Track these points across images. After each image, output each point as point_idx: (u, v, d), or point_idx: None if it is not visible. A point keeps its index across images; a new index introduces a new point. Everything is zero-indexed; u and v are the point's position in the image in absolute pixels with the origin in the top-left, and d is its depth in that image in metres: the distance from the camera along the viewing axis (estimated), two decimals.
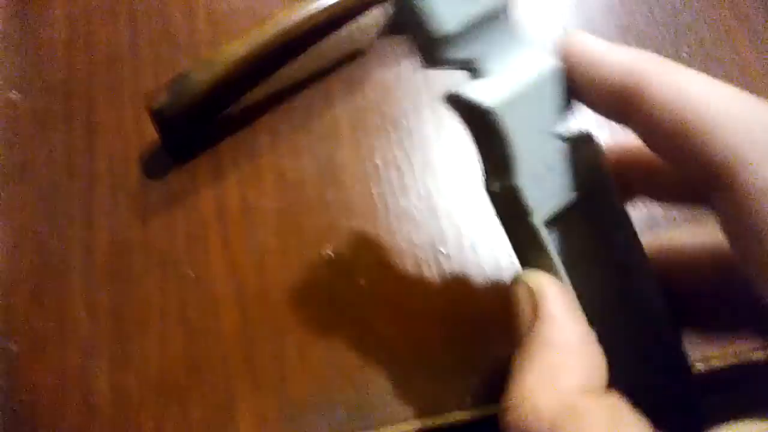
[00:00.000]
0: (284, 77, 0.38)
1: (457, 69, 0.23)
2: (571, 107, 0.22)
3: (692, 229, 0.25)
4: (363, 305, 0.35)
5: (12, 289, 0.33)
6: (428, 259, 0.36)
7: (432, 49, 0.21)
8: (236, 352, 0.33)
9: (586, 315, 0.21)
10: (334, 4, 0.36)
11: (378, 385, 0.33)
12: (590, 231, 0.23)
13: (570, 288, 0.22)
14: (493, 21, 0.22)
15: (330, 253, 0.36)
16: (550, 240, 0.22)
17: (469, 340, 0.34)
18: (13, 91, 0.37)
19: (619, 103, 0.20)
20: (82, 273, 0.34)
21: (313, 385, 0.33)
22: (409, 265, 0.36)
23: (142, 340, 0.33)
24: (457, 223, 0.36)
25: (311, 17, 0.36)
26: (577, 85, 0.21)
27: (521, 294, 0.22)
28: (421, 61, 0.22)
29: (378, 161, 0.38)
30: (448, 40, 0.21)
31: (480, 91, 0.21)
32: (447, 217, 0.37)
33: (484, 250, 0.36)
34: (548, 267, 0.22)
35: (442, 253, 0.36)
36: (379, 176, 0.37)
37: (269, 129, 0.38)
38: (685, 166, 0.19)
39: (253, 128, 0.38)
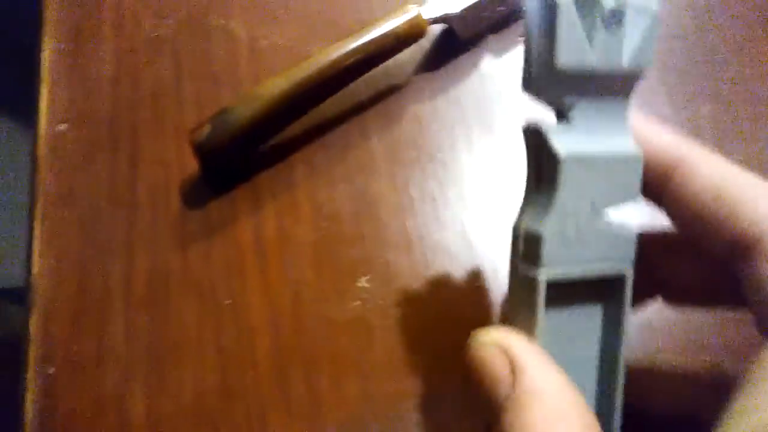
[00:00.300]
0: (322, 111, 0.39)
1: (549, 106, 0.23)
2: (636, 197, 0.23)
3: None
4: (398, 337, 0.35)
5: (52, 314, 0.34)
6: (463, 293, 0.35)
7: (542, 76, 0.22)
8: (270, 380, 0.33)
9: None
10: (371, 43, 0.37)
11: (412, 419, 0.33)
12: (586, 316, 0.23)
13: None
14: (608, 83, 0.22)
15: (365, 284, 0.36)
16: (543, 301, 0.22)
17: None
18: (62, 124, 0.39)
19: (659, 178, 0.22)
20: (122, 299, 0.35)
21: (346, 416, 0.33)
22: (443, 298, 0.36)
23: (178, 367, 0.33)
24: (493, 256, 0.36)
25: (349, 56, 0.37)
26: None
27: (491, 355, 0.21)
28: (524, 84, 0.23)
29: (413, 193, 0.38)
30: (561, 74, 0.21)
31: (560, 137, 0.22)
32: (482, 250, 0.37)
33: None
34: (528, 327, 0.22)
35: (477, 286, 0.36)
36: (414, 208, 0.38)
37: (306, 161, 0.39)
38: (713, 237, 0.21)
39: (290, 161, 0.39)
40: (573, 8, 0.20)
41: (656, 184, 0.22)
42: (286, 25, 0.43)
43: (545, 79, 0.22)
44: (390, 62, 0.39)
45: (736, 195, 0.20)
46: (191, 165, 0.37)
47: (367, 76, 0.39)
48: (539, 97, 0.22)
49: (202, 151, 0.35)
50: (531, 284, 0.22)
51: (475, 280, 0.36)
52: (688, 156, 0.21)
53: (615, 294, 0.23)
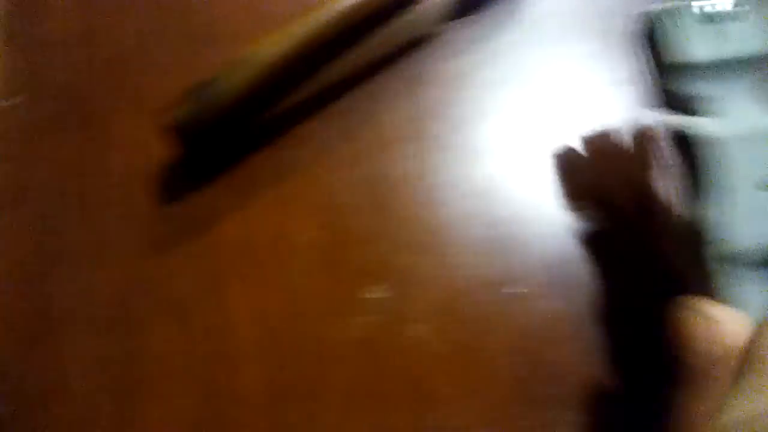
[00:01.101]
0: (328, 74, 0.31)
1: (683, 104, 0.24)
2: None
3: None
4: (416, 360, 0.28)
5: (1, 342, 0.29)
6: (497, 302, 0.29)
7: (670, 73, 0.24)
8: (260, 417, 0.28)
9: None
10: None
11: None
12: None
13: None
14: (739, 69, 0.23)
15: (378, 295, 0.29)
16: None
17: (545, 403, 0.28)
18: (6, 98, 0.32)
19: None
20: (84, 321, 0.29)
21: None
22: (473, 310, 0.29)
23: (150, 402, 0.28)
24: (533, 254, 0.29)
25: (364, 3, 0.29)
26: None
27: (714, 333, 0.21)
28: (659, 84, 0.25)
29: (437, 178, 0.31)
30: (690, 69, 0.23)
31: (712, 128, 0.23)
32: (518, 248, 0.29)
33: (561, 288, 0.29)
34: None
35: (513, 293, 0.29)
36: (441, 199, 0.30)
37: (309, 139, 0.32)
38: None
39: (287, 139, 0.32)
40: (671, 14, 0.25)
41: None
42: None
43: (673, 74, 0.24)
44: (412, 12, 0.31)
45: None
46: (169, 148, 0.30)
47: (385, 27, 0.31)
48: (673, 94, 0.25)
49: (183, 133, 0.28)
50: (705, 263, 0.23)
51: (512, 287, 0.29)
52: None
53: None
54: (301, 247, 0.30)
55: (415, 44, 0.33)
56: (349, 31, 0.30)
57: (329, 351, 0.29)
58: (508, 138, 0.31)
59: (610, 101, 0.31)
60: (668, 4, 0.25)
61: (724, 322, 0.21)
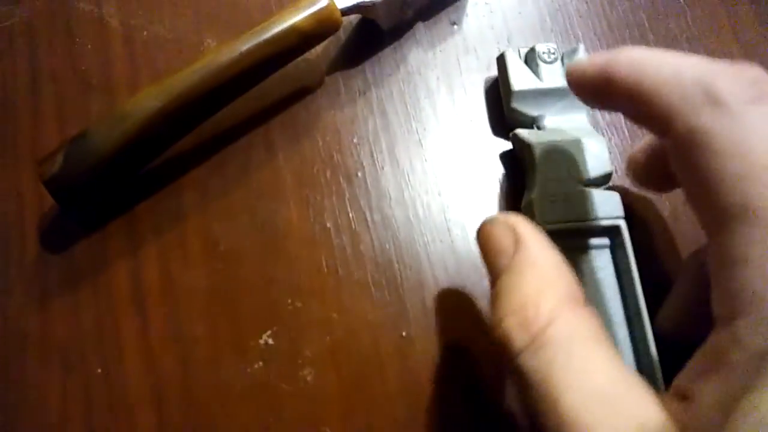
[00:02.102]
0: (216, 121, 0.31)
1: (525, 121, 0.32)
2: (606, 167, 0.30)
3: None
4: (310, 405, 0.29)
5: None
6: (389, 345, 0.30)
7: (508, 100, 0.32)
8: None
9: None
10: (272, 41, 0.29)
11: None
12: (600, 263, 0.30)
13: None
14: (560, 98, 0.31)
15: (270, 341, 0.30)
16: None
17: None
18: None
19: (599, 88, 0.23)
20: None
21: None
22: (366, 354, 0.30)
23: None
24: (424, 297, 0.30)
25: (245, 58, 0.29)
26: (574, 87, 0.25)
27: (499, 231, 0.23)
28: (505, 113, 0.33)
29: (329, 224, 0.32)
30: (519, 96, 0.31)
31: (529, 135, 0.31)
32: (411, 291, 0.31)
33: (452, 332, 0.30)
34: None
35: (404, 336, 0.30)
36: (330, 243, 0.31)
37: (198, 185, 0.32)
38: (646, 124, 0.23)
39: (177, 185, 0.32)
40: (516, 55, 0.33)
41: (600, 95, 0.24)
42: (171, 11, 0.35)
43: (513, 103, 0.32)
44: (299, 59, 0.32)
45: (648, 84, 0.21)
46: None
47: (271, 76, 0.31)
48: (515, 118, 0.32)
49: (54, 188, 0.27)
50: None
51: (403, 329, 0.30)
52: (613, 60, 0.22)
53: (618, 241, 0.29)
54: (192, 295, 0.30)
55: (303, 92, 0.34)
56: (230, 86, 0.29)
57: (223, 398, 0.29)
58: (400, 180, 0.32)
59: (477, 135, 0.33)
60: (509, 50, 0.32)
61: (518, 225, 0.23)
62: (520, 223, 0.23)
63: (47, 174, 0.27)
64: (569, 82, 0.25)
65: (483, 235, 0.24)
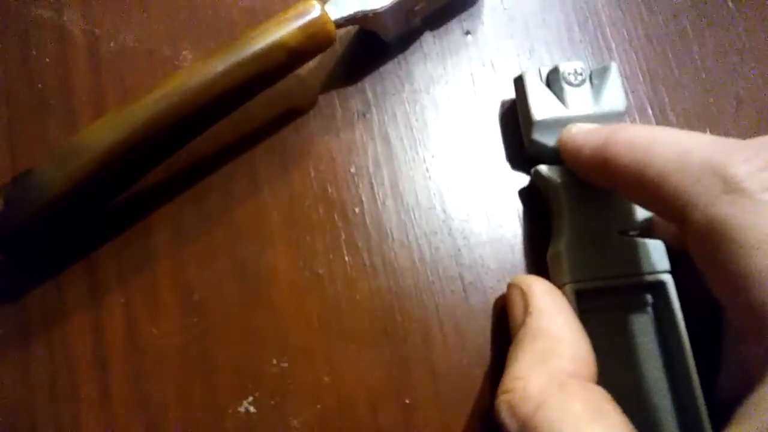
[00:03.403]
0: (191, 148, 0.27)
1: (549, 155, 0.26)
2: (646, 213, 0.26)
3: None
4: None
5: None
6: (389, 415, 0.26)
7: (528, 131, 0.27)
8: None
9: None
10: (256, 59, 0.25)
11: None
12: (635, 324, 0.25)
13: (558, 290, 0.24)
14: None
15: (251, 408, 0.26)
16: (578, 311, 0.24)
17: None
18: None
19: (597, 170, 0.23)
20: None
21: None
22: (363, 425, 0.26)
23: None
24: (431, 357, 0.26)
25: (222, 80, 0.25)
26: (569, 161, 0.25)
27: (514, 295, 0.24)
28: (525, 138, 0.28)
29: (321, 270, 0.27)
30: (541, 126, 0.26)
31: (555, 174, 0.26)
32: (416, 350, 0.26)
33: (452, 395, 0.26)
34: None
35: (408, 404, 0.26)
36: (323, 292, 0.27)
37: (169, 223, 0.28)
38: (654, 210, 0.22)
39: (146, 224, 0.28)
40: (537, 77, 0.27)
41: (600, 175, 0.23)
42: (141, 19, 0.31)
43: (534, 135, 0.27)
44: (289, 77, 0.27)
45: (654, 171, 0.20)
46: None
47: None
48: (536, 151, 0.27)
49: None
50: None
51: (408, 395, 0.26)
52: (611, 138, 0.22)
53: (662, 298, 0.25)
54: (160, 353, 0.26)
55: (293, 113, 0.29)
56: (204, 113, 0.25)
57: None
58: (400, 222, 0.28)
59: (493, 167, 0.29)
60: (528, 72, 0.27)
61: (530, 289, 0.23)
62: (532, 285, 0.24)
63: None
64: (563, 155, 0.25)
65: (506, 298, 0.24)
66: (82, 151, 0.23)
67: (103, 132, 0.24)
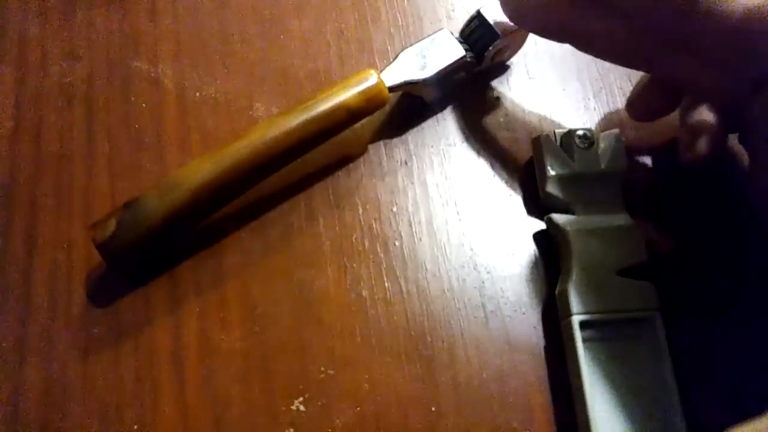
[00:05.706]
0: (259, 186, 0.32)
1: (560, 205, 0.32)
2: (641, 258, 0.31)
3: None
4: None
5: None
6: (418, 420, 0.30)
7: (543, 184, 0.32)
8: None
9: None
10: (321, 118, 0.30)
11: None
12: (628, 352, 0.30)
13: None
14: (596, 182, 0.32)
15: (301, 407, 0.30)
16: (581, 339, 0.29)
17: None
18: None
19: None
20: (6, 421, 0.29)
21: None
22: (395, 427, 0.30)
23: None
24: (456, 373, 0.31)
25: (293, 134, 0.30)
26: None
27: None
28: (540, 195, 0.33)
29: (365, 293, 0.32)
30: (553, 180, 0.32)
31: (564, 222, 0.31)
32: (442, 366, 0.31)
33: (472, 405, 0.30)
34: (575, 365, 0.29)
35: (434, 411, 0.30)
36: (365, 312, 0.32)
37: (239, 248, 0.33)
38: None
39: (219, 247, 0.33)
40: (552, 139, 0.33)
41: None
42: (223, 74, 0.36)
43: (548, 188, 0.32)
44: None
45: None
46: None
47: None
48: (549, 201, 0.33)
49: (105, 252, 0.28)
50: (569, 332, 0.29)
51: (435, 404, 0.30)
52: None
53: (652, 332, 0.30)
54: (229, 356, 0.31)
55: (345, 160, 0.35)
56: (276, 160, 0.31)
57: None
58: (433, 256, 0.33)
59: (513, 213, 0.34)
60: (544, 135, 0.33)
61: None
62: None
63: (99, 238, 0.28)
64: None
65: None
66: (181, 185, 0.29)
67: (198, 171, 0.29)
